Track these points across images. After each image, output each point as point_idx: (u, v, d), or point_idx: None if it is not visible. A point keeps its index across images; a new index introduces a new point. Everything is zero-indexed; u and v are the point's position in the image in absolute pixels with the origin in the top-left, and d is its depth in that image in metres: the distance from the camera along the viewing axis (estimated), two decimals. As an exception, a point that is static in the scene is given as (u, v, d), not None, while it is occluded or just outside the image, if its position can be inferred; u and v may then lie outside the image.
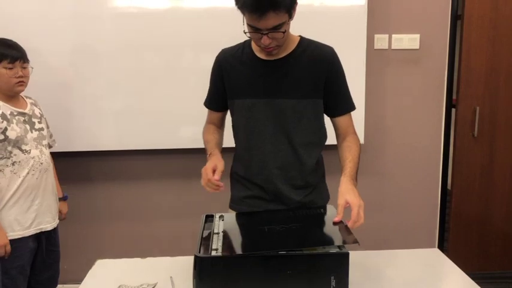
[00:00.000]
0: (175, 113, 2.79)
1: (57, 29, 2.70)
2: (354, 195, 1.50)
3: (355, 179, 1.61)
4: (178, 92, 2.75)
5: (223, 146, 1.86)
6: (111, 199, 3.04)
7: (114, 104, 2.80)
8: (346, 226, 1.45)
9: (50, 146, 2.38)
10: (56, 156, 2.83)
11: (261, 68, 1.67)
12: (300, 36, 1.72)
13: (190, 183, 2.94)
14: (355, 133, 1.77)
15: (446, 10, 3.01)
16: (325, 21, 2.76)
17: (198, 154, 1.96)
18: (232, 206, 1.83)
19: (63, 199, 2.50)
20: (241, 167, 1.78)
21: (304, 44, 1.69)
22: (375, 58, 2.98)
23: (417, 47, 3.02)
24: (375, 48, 2.99)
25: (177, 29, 2.75)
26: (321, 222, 1.61)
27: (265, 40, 1.53)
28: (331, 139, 1.80)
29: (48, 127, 2.37)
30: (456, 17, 3.04)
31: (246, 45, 1.72)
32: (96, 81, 2.78)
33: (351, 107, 1.76)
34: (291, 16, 1.53)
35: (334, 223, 1.48)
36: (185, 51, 2.77)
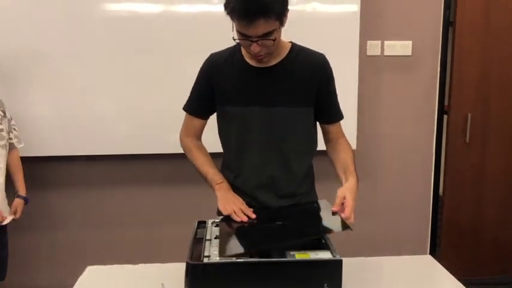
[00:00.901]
0: (169, 117, 2.77)
1: (49, 32, 2.68)
2: (353, 197, 1.50)
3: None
4: (169, 96, 2.73)
5: (209, 151, 1.83)
6: (103, 205, 3.02)
7: (106, 108, 2.79)
8: (340, 217, 1.46)
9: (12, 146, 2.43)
10: (44, 160, 2.82)
11: (252, 75, 1.64)
12: (291, 42, 1.70)
13: (182, 189, 2.93)
14: (345, 137, 1.78)
15: (438, 17, 3.03)
16: (318, 27, 2.76)
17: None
18: (220, 213, 1.81)
19: (21, 197, 2.47)
20: (230, 175, 1.75)
21: (296, 51, 1.67)
22: (367, 64, 2.99)
23: (409, 54, 3.04)
24: (368, 54, 3.00)
25: (168, 34, 2.74)
26: (315, 215, 1.63)
27: (255, 47, 1.50)
28: (320, 145, 1.80)
29: (12, 127, 2.42)
30: (448, 24, 3.06)
31: (236, 50, 1.67)
32: (87, 85, 2.75)
33: (341, 115, 1.77)
34: (282, 23, 1.50)
35: (333, 213, 1.49)
36: (178, 56, 2.76)
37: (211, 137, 1.81)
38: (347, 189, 1.52)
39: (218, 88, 1.68)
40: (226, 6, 1.45)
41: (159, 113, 2.78)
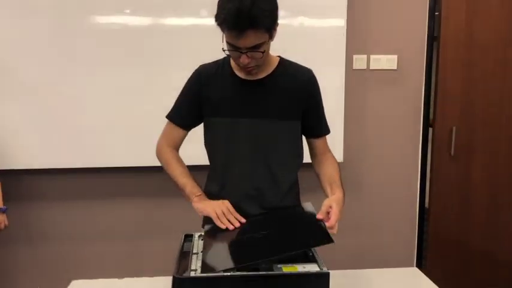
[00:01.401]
0: (155, 129, 2.76)
1: (36, 42, 2.67)
2: (339, 208, 1.50)
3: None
4: (156, 109, 2.72)
5: (196, 164, 1.82)
6: (88, 218, 2.98)
7: (93, 121, 2.77)
8: (324, 226, 1.45)
9: None
10: (28, 173, 2.79)
11: (241, 87, 1.66)
12: (279, 57, 1.72)
13: (168, 202, 2.91)
14: (331, 152, 1.80)
15: (423, 31, 3.07)
16: (305, 42, 2.79)
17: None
18: (205, 224, 1.77)
19: None
20: (216, 186, 1.74)
21: (284, 65, 1.70)
22: (353, 78, 3.02)
23: (395, 68, 3.07)
24: (354, 68, 3.03)
25: (156, 46, 2.74)
26: (299, 224, 1.60)
27: (244, 59, 1.51)
28: (306, 158, 1.81)
29: None
30: (432, 38, 3.11)
31: (225, 62, 1.69)
32: (72, 96, 2.74)
33: (327, 130, 1.80)
34: (271, 36, 1.53)
35: (317, 220, 1.49)
36: (166, 68, 2.76)
37: (196, 149, 1.80)
38: (333, 200, 1.53)
39: (206, 99, 1.69)
40: (216, 17, 1.47)
41: (145, 125, 2.76)
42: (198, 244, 1.53)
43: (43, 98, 2.73)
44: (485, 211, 3.27)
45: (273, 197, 1.71)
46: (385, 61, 3.06)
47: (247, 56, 1.51)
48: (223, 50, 1.54)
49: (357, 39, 2.98)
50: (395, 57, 3.06)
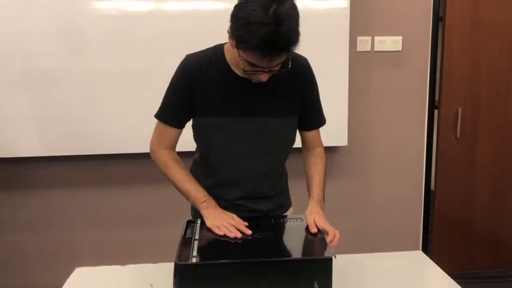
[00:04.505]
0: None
1: (37, 30, 2.65)
2: (322, 219, 1.49)
3: (323, 200, 1.59)
4: (158, 95, 2.71)
5: (186, 149, 1.74)
6: (91, 205, 2.99)
7: (94, 108, 2.76)
8: (323, 238, 1.43)
9: None
10: (34, 160, 2.79)
11: (238, 85, 1.53)
12: None
13: (171, 188, 2.89)
14: (321, 146, 1.73)
15: (428, 12, 3.03)
16: (308, 24, 2.68)
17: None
18: (195, 215, 1.71)
19: None
20: (210, 183, 1.66)
21: None
22: (357, 60, 2.98)
23: (400, 49, 3.03)
24: (358, 50, 2.99)
25: (159, 31, 2.71)
26: (299, 233, 1.54)
27: (265, 77, 1.39)
28: (296, 142, 1.74)
29: None
30: (438, 19, 3.06)
31: (218, 56, 1.52)
32: (76, 83, 2.73)
33: (322, 121, 1.71)
34: None
35: (312, 234, 1.47)
36: (168, 54, 2.73)
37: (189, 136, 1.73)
38: (314, 213, 1.52)
39: (200, 98, 1.54)
40: (241, 39, 1.29)
41: (146, 111, 2.71)
42: (200, 230, 1.52)
43: (45, 85, 2.71)
44: (490, 193, 3.26)
45: (269, 190, 1.68)
46: (390, 42, 3.02)
47: (268, 73, 1.39)
48: (245, 71, 1.39)
49: (360, 20, 2.94)
50: (400, 38, 3.02)
